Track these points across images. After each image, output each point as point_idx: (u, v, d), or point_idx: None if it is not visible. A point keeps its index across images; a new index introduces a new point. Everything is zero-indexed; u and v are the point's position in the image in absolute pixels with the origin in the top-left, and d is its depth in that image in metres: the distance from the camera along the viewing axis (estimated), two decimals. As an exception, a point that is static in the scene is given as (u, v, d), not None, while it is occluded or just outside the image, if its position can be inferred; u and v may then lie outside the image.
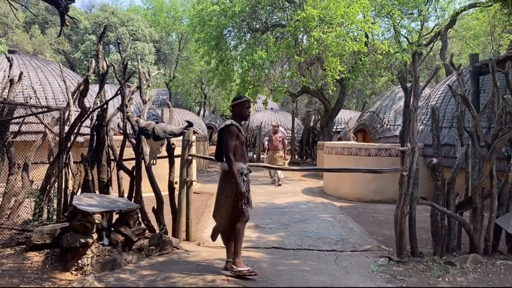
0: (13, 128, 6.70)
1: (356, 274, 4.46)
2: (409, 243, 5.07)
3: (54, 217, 5.58)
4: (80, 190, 5.95)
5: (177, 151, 6.03)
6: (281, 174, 12.52)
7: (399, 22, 18.29)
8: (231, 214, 4.31)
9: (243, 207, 4.27)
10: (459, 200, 5.37)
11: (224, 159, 4.34)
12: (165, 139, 5.83)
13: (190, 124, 5.86)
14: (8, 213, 5.94)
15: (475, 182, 5.11)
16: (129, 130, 6.22)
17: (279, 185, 12.16)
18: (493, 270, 4.55)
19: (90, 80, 5.68)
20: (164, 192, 5.77)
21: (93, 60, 6.48)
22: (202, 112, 34.89)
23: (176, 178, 5.92)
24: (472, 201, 5.11)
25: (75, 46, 25.27)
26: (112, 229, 4.58)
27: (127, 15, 26.83)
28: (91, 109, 5.81)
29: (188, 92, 31.97)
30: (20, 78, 6.72)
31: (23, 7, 23.04)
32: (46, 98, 10.31)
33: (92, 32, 24.18)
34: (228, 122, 4.39)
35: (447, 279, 4.27)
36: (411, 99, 5.13)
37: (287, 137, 20.69)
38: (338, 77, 14.26)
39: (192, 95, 32.85)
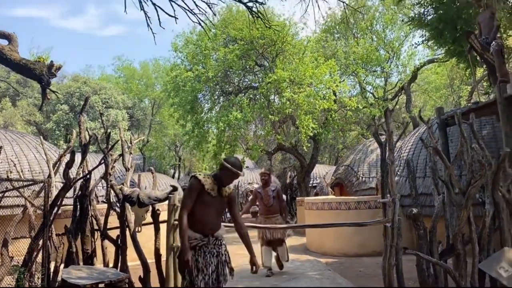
0: (-8, 203, 6.58)
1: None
2: (399, 294, 5.12)
3: (37, 293, 5.40)
4: (63, 263, 5.81)
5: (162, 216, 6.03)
6: (285, 254, 7.77)
7: (364, 79, 19.30)
8: None
9: (195, 281, 3.56)
10: (442, 248, 5.52)
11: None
12: (150, 205, 5.84)
13: (175, 189, 5.92)
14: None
15: (455, 229, 5.29)
16: (112, 198, 6.22)
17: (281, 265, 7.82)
18: (482, 315, 4.63)
19: (63, 149, 5.76)
20: (150, 260, 5.70)
21: (74, 130, 6.58)
22: (177, 174, 34.76)
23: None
24: (454, 248, 5.26)
25: (46, 117, 25.21)
26: (102, 301, 4.47)
27: (99, 83, 27.19)
28: (75, 180, 5.82)
29: (162, 155, 32.04)
30: (-1, 152, 6.71)
31: (-7, 80, 23.11)
32: (22, 171, 10.18)
33: (64, 102, 24.28)
34: (194, 173, 3.82)
35: (440, 328, 4.32)
36: (387, 153, 5.40)
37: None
38: (311, 134, 14.74)
39: (166, 158, 32.92)
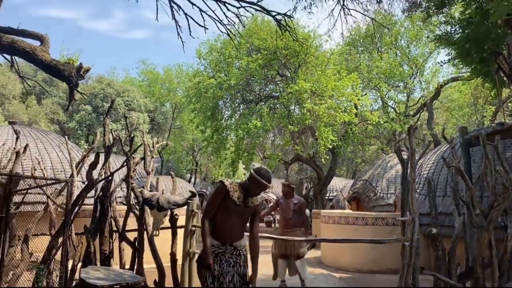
0: (16, 198, 6.74)
1: None
2: (414, 315, 5.05)
3: (54, 290, 5.49)
4: (80, 262, 5.91)
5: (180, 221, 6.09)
6: (304, 268, 7.57)
7: (386, 94, 19.17)
8: None
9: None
10: (460, 270, 5.43)
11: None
12: (169, 210, 5.91)
13: (193, 195, 5.98)
14: (5, 286, 5.82)
15: (475, 252, 5.21)
16: (132, 200, 6.31)
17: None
18: None
19: (84, 149, 5.87)
20: (165, 263, 5.75)
21: (98, 132, 6.71)
22: (193, 179, 34.95)
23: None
24: (473, 271, 5.17)
25: (69, 116, 25.73)
26: (117, 303, 4.52)
27: (122, 86, 27.66)
28: (97, 181, 5.93)
29: (180, 159, 32.30)
30: (25, 150, 6.88)
31: (20, 78, 23.74)
32: (44, 169, 10.40)
33: (87, 103, 24.75)
34: (222, 178, 3.85)
35: None
36: (409, 171, 5.35)
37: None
38: (330, 146, 14.68)
39: (184, 163, 33.15)
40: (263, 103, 16.41)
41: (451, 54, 10.49)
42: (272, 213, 22.12)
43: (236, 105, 16.77)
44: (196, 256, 5.83)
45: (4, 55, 5.95)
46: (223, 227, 3.62)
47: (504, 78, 8.27)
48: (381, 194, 15.12)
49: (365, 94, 16.92)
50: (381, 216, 9.70)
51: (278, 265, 7.32)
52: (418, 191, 10.60)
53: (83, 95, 6.77)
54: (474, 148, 8.57)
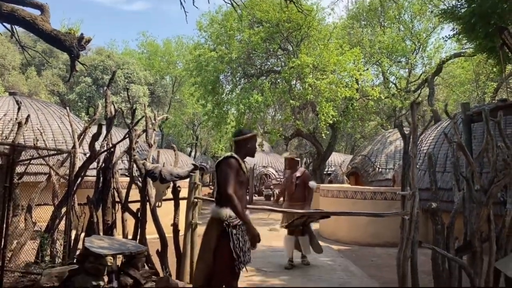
0: (19, 169, 6.77)
1: (362, 317, 4.52)
2: (411, 286, 5.15)
3: (58, 259, 5.58)
4: (84, 232, 5.98)
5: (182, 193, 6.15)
6: (309, 249, 7.22)
7: (388, 69, 19.03)
8: (210, 272, 3.53)
9: (236, 266, 3.49)
10: (458, 244, 5.51)
11: (218, 202, 3.60)
12: (171, 182, 5.95)
13: (196, 167, 6.02)
14: (10, 255, 5.92)
15: (473, 227, 5.27)
16: (134, 172, 6.35)
17: (306, 263, 7.15)
18: (495, 313, 4.64)
19: (85, 121, 5.87)
20: (167, 234, 5.85)
21: (100, 104, 6.68)
22: (193, 153, 35.06)
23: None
24: (472, 245, 5.25)
25: (69, 88, 25.58)
26: (121, 271, 4.61)
27: (122, 58, 27.42)
28: (99, 152, 5.95)
29: (180, 133, 32.32)
30: (27, 120, 6.87)
31: (19, 48, 23.48)
32: (46, 140, 10.42)
33: (87, 75, 24.57)
34: (228, 154, 3.71)
35: (451, 322, 4.35)
36: (410, 146, 5.37)
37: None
38: (330, 121, 14.67)
39: (184, 137, 33.20)
40: (265, 77, 16.30)
41: (456, 29, 10.36)
42: (271, 186, 22.06)
43: (237, 79, 16.66)
44: (198, 227, 5.94)
45: (4, 24, 5.87)
46: (240, 198, 3.60)
47: (509, 54, 8.20)
48: (380, 169, 15.20)
49: (367, 69, 16.78)
50: (380, 191, 9.77)
51: (285, 242, 7.08)
52: (417, 166, 10.65)
53: (84, 65, 6.72)
54: (475, 124, 8.57)
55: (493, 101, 13.89)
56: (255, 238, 3.51)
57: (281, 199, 7.68)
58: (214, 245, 3.52)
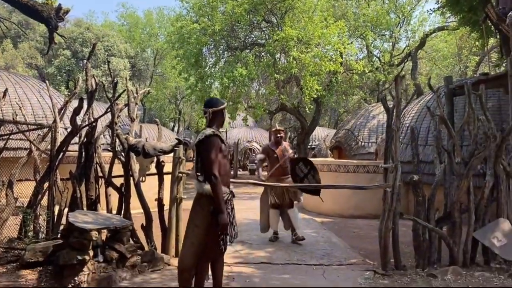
0: (-2, 144, 6.63)
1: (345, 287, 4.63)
2: (393, 256, 5.29)
3: (42, 235, 5.55)
4: (67, 207, 5.94)
5: (166, 167, 6.13)
6: (299, 222, 7.09)
7: (372, 43, 18.99)
8: (197, 249, 3.51)
9: (222, 242, 3.53)
10: (439, 215, 5.65)
11: (203, 178, 3.54)
12: (155, 157, 5.91)
13: (180, 142, 5.97)
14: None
15: (453, 198, 5.40)
16: (117, 147, 6.27)
17: (301, 239, 6.75)
18: (472, 281, 4.80)
19: (65, 95, 5.74)
20: (153, 210, 5.84)
21: (80, 77, 6.53)
22: (176, 128, 34.81)
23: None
24: (451, 216, 5.39)
25: (48, 61, 24.91)
26: (106, 246, 4.61)
27: (102, 30, 26.72)
28: (81, 127, 5.84)
29: (162, 108, 31.95)
30: (5, 95, 6.69)
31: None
32: (25, 114, 10.18)
33: (66, 47, 23.92)
34: (208, 131, 3.58)
35: (431, 290, 4.50)
36: (393, 119, 5.41)
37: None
38: (314, 96, 14.66)
39: (167, 111, 32.83)
40: (249, 50, 16.09)
41: (440, 2, 10.34)
42: (255, 161, 22.22)
43: (221, 52, 16.41)
44: (183, 201, 5.94)
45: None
46: (226, 172, 3.63)
47: (492, 28, 8.24)
48: (363, 143, 15.36)
49: (351, 43, 16.71)
50: (362, 164, 9.90)
51: (271, 216, 6.87)
52: (400, 140, 10.78)
53: (63, 37, 6.53)
54: (457, 98, 8.68)
55: (475, 75, 14.04)
56: (223, 227, 3.43)
57: (263, 172, 7.42)
58: (207, 222, 3.47)
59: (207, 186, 3.48)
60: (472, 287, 4.48)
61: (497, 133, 5.38)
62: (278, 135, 7.06)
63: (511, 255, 5.12)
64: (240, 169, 25.05)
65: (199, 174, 3.57)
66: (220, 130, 3.82)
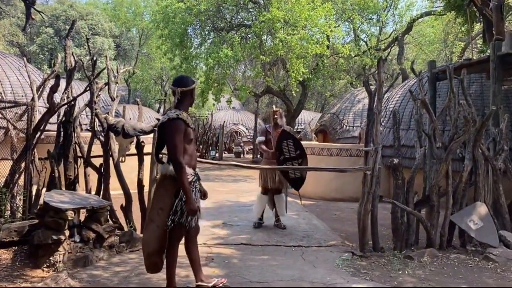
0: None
1: (323, 268, 4.66)
2: (371, 238, 5.35)
3: (18, 214, 5.46)
4: (45, 187, 5.85)
5: (146, 148, 6.06)
6: (283, 209, 6.71)
7: (359, 27, 18.91)
8: (163, 232, 3.43)
9: (187, 222, 3.43)
10: (417, 198, 5.71)
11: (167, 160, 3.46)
12: (135, 137, 5.83)
13: (160, 122, 5.89)
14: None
15: (432, 182, 5.45)
16: (97, 127, 6.17)
17: (282, 227, 6.54)
18: (447, 263, 4.89)
19: (47, 73, 5.60)
20: (132, 190, 5.78)
21: (59, 55, 6.37)
22: (161, 109, 34.46)
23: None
24: (429, 199, 5.45)
25: (30, 39, 24.32)
26: (83, 226, 4.56)
27: (86, 8, 26.12)
28: (59, 105, 5.72)
29: (148, 88, 31.53)
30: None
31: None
32: (3, 92, 9.96)
33: (49, 25, 23.36)
34: (173, 114, 3.41)
35: (406, 272, 4.55)
36: (375, 103, 5.41)
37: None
38: (300, 78, 14.61)
39: (152, 92, 32.42)
40: (235, 31, 15.90)
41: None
42: (241, 144, 22.02)
43: (206, 32, 16.18)
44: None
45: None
46: (192, 154, 3.56)
47: (476, 12, 8.24)
48: (347, 127, 15.43)
49: (338, 26, 16.60)
50: (345, 148, 9.95)
51: (257, 200, 6.64)
52: (383, 124, 10.83)
53: (41, 14, 6.35)
54: (440, 83, 8.71)
55: (460, 61, 14.10)
56: (192, 212, 3.38)
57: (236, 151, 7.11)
58: (171, 204, 3.39)
59: (171, 168, 3.40)
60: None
61: (477, 117, 5.42)
62: (275, 116, 6.71)
63: (486, 238, 5.22)
64: (226, 152, 24.99)
65: (161, 156, 3.48)
66: (189, 111, 3.67)
